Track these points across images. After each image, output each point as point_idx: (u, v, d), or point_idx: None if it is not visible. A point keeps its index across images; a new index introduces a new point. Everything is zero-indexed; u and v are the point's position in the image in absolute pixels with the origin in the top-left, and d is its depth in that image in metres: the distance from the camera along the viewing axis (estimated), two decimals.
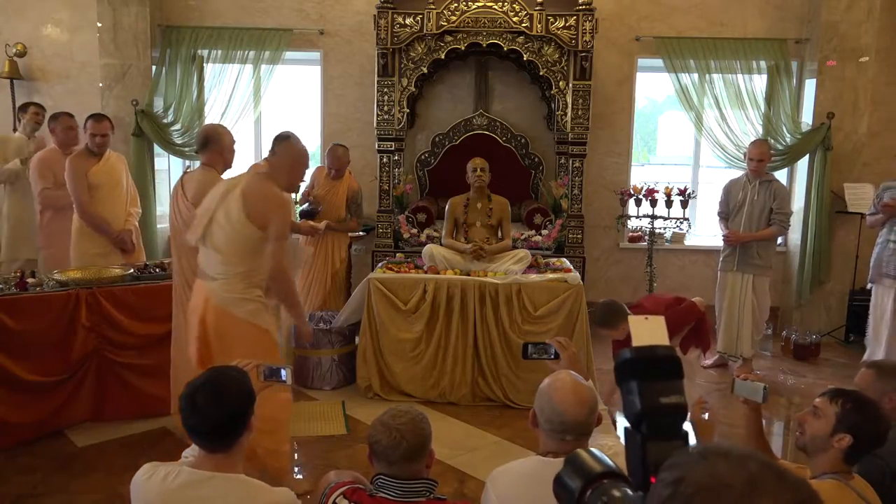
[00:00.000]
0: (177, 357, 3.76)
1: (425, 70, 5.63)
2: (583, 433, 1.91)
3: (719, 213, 5.20)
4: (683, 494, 0.72)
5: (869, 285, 5.07)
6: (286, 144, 3.14)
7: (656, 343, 1.06)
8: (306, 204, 5.02)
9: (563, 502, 1.05)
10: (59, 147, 4.88)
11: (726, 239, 5.07)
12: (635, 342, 1.08)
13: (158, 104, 6.16)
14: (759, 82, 6.22)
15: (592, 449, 1.09)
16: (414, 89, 5.73)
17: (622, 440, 1.08)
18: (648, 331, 1.12)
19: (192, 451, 2.07)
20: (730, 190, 5.16)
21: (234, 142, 3.81)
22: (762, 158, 4.96)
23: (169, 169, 6.54)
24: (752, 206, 4.98)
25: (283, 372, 2.21)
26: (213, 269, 3.04)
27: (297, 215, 5.08)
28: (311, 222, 4.85)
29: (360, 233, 5.95)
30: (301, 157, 3.18)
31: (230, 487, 1.85)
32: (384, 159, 5.77)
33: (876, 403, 2.08)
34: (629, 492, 0.96)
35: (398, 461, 1.90)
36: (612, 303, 4.06)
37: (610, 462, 1.05)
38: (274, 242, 2.99)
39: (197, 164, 6.63)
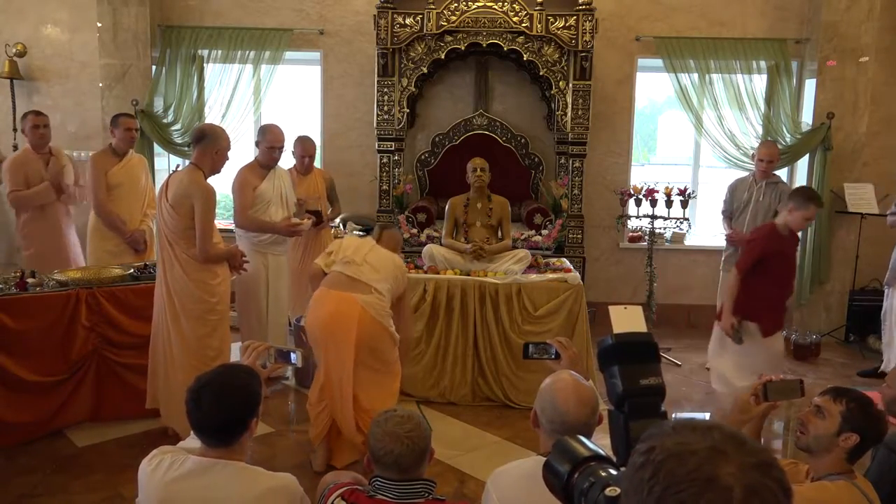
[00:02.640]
0: (156, 355, 3.77)
1: (425, 70, 5.64)
2: (585, 433, 1.91)
3: (723, 212, 5.23)
4: (654, 461, 0.79)
5: (885, 287, 4.97)
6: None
7: (635, 330, 1.13)
8: (307, 213, 4.93)
9: (553, 487, 1.09)
10: (32, 148, 4.80)
11: (729, 238, 5.09)
12: (616, 329, 1.14)
13: (158, 104, 6.16)
14: (759, 82, 6.22)
15: (578, 436, 1.13)
16: (414, 89, 5.73)
17: None
18: (627, 319, 1.20)
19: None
20: (735, 189, 5.18)
21: (228, 148, 3.72)
22: (772, 160, 4.98)
23: (169, 169, 6.54)
24: (756, 207, 4.99)
25: (293, 355, 2.23)
26: (366, 287, 3.43)
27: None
28: (296, 219, 4.58)
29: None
30: None
31: (231, 474, 1.88)
32: (384, 159, 5.77)
33: (873, 401, 2.08)
34: (614, 472, 1.02)
35: (410, 467, 1.91)
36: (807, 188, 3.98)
37: (595, 447, 1.10)
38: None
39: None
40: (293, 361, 2.25)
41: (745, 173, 5.46)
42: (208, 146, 3.58)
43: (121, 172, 4.68)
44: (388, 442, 1.91)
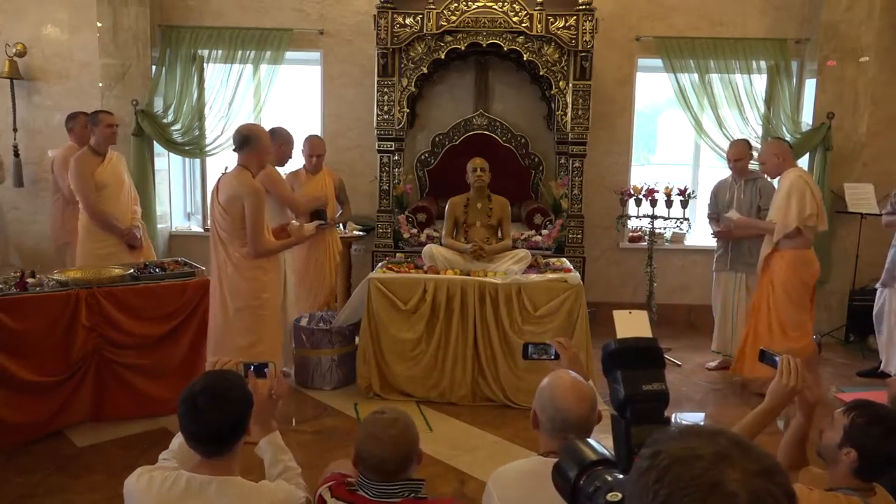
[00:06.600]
0: (213, 349, 3.85)
1: (425, 70, 5.63)
2: (585, 430, 1.90)
3: (709, 215, 5.27)
4: (659, 466, 0.79)
5: (878, 287, 4.96)
6: (776, 142, 4.79)
7: (639, 335, 1.13)
8: (310, 214, 4.92)
9: (561, 489, 1.10)
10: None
11: (718, 235, 5.10)
12: (619, 334, 1.15)
13: (158, 104, 6.16)
14: (759, 82, 6.22)
15: (588, 439, 1.14)
16: (414, 89, 5.72)
17: None
18: (632, 324, 1.20)
19: (169, 454, 2.06)
20: (717, 191, 5.22)
21: (270, 143, 3.95)
22: (738, 158, 5.00)
23: (169, 168, 6.54)
24: (739, 206, 5.00)
25: (265, 369, 2.17)
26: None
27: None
28: (295, 223, 4.39)
29: (361, 233, 5.94)
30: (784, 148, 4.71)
31: (230, 490, 1.84)
32: (384, 159, 5.77)
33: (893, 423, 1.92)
34: (619, 476, 1.02)
35: (393, 471, 1.89)
36: None
37: (604, 450, 1.10)
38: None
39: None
40: (264, 373, 2.18)
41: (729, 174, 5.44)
42: (255, 148, 3.76)
43: (105, 172, 4.67)
44: (372, 445, 1.87)
